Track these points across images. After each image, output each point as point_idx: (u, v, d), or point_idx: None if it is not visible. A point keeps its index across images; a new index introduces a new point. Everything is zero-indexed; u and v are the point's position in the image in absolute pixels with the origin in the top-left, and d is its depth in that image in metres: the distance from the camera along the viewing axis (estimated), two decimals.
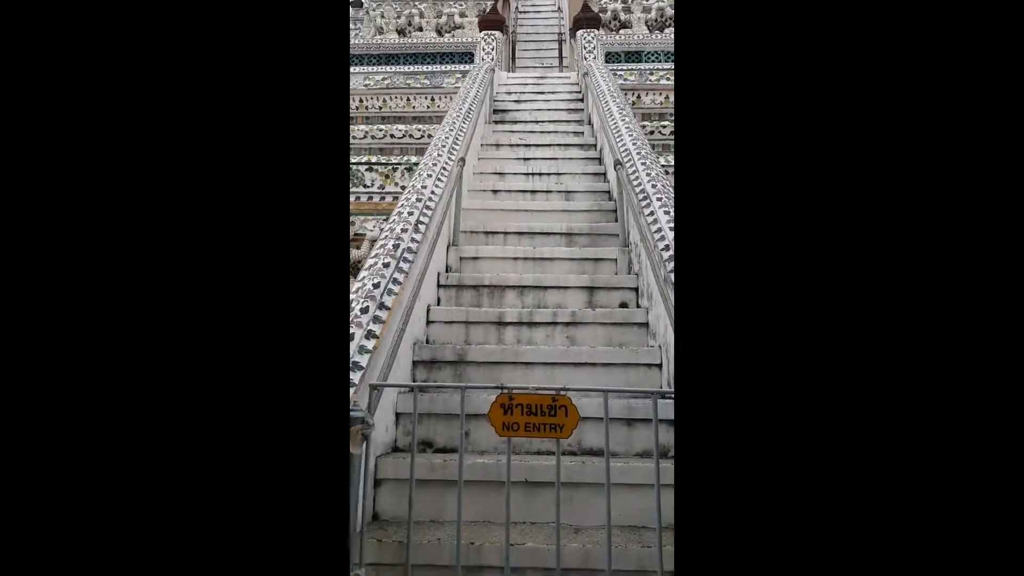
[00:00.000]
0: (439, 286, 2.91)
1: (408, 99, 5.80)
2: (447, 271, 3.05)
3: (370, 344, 1.97)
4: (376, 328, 2.05)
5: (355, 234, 4.70)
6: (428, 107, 5.78)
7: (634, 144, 3.31)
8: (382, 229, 4.50)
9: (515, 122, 4.97)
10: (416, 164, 5.05)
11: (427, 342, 2.60)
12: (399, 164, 5.27)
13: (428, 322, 2.68)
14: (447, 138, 3.74)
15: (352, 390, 1.77)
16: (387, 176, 5.22)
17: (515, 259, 3.09)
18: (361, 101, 5.81)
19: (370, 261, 2.45)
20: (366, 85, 5.82)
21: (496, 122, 4.99)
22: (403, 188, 5.15)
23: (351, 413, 1.56)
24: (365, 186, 5.20)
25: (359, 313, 2.08)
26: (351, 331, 1.98)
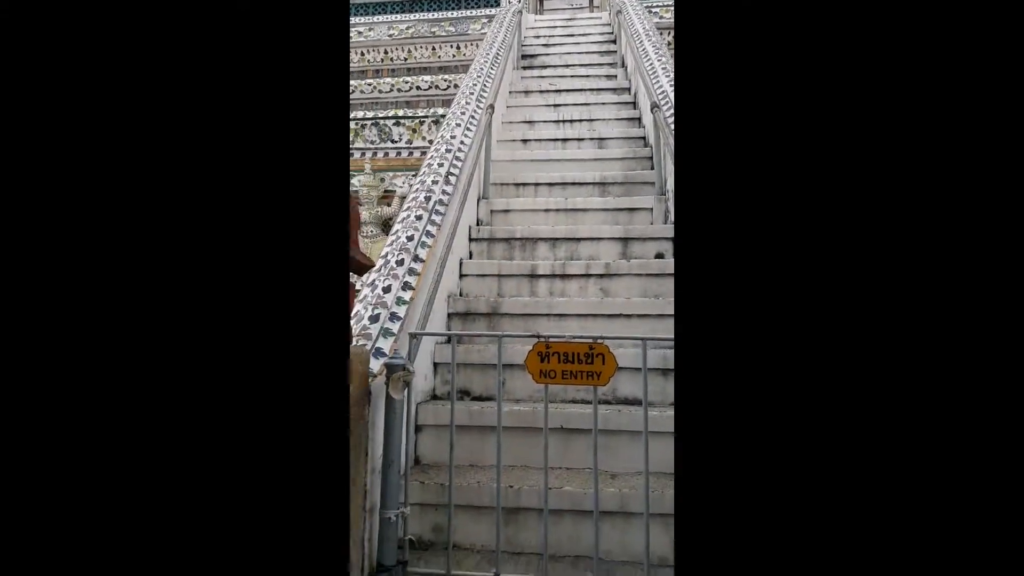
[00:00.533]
0: (471, 240, 2.89)
1: (433, 48, 5.60)
2: (478, 224, 3.02)
3: (407, 295, 1.99)
4: (412, 280, 2.07)
5: (385, 191, 4.70)
6: (454, 55, 5.57)
7: (672, 86, 3.12)
8: (411, 185, 4.48)
9: (544, 67, 4.74)
10: (443, 116, 4.94)
11: (460, 295, 2.62)
12: (426, 117, 5.16)
13: (461, 275, 2.68)
14: (475, 86, 3.61)
15: (392, 339, 1.81)
16: (414, 130, 5.13)
17: (547, 211, 3.02)
18: (386, 52, 5.65)
19: (402, 214, 2.44)
20: (390, 35, 5.64)
21: (524, 68, 4.78)
22: (430, 142, 5.07)
23: (392, 360, 1.60)
24: (393, 141, 5.14)
25: (395, 265, 2.10)
26: (388, 283, 2.00)
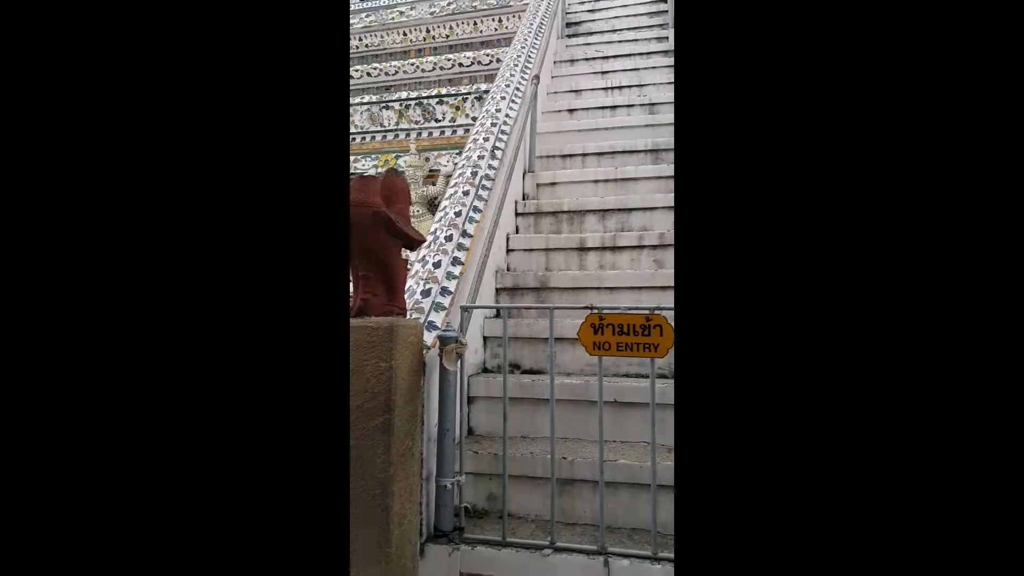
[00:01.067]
0: (517, 214, 2.86)
1: (475, 23, 5.51)
2: (523, 199, 2.97)
3: (456, 270, 2.00)
4: (461, 255, 2.07)
5: (430, 170, 4.73)
6: (496, 29, 5.47)
7: None
8: (455, 163, 4.48)
9: (590, 33, 4.56)
10: (486, 92, 4.88)
11: (508, 270, 2.60)
12: (469, 94, 5.12)
13: (508, 251, 2.67)
14: (519, 56, 3.52)
15: (443, 313, 1.82)
16: (457, 108, 5.10)
17: (595, 182, 2.93)
18: (428, 31, 5.62)
19: (449, 191, 2.44)
20: (432, 13, 5.59)
21: (569, 36, 4.62)
22: (473, 119, 5.03)
23: (445, 333, 1.61)
24: (436, 120, 5.14)
25: (444, 241, 2.10)
26: (438, 259, 2.02)
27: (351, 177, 3.73)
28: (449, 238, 2.12)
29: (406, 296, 1.85)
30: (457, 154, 4.48)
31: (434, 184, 4.76)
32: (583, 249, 2.57)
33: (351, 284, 1.57)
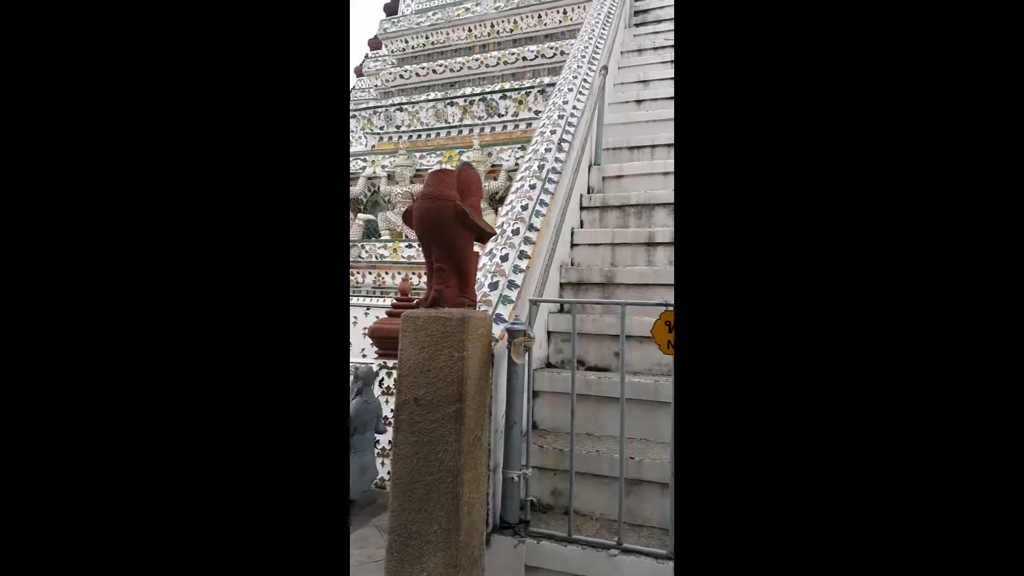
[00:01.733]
0: (581, 208, 2.81)
1: (539, 16, 5.47)
2: (589, 192, 2.92)
3: (523, 263, 2.00)
4: (527, 248, 2.07)
5: (492, 165, 4.76)
6: (560, 21, 5.40)
7: None
8: (518, 159, 4.48)
9: (659, 21, 4.40)
10: (549, 85, 4.84)
11: (572, 264, 2.57)
12: (532, 87, 5.10)
13: (572, 245, 2.63)
14: (585, 47, 3.46)
15: (510, 306, 1.83)
16: (520, 102, 5.10)
17: (665, 174, 2.83)
18: (492, 26, 5.65)
19: (516, 184, 2.44)
20: (497, 8, 5.62)
21: (637, 24, 4.48)
22: (536, 113, 5.00)
23: (513, 326, 1.62)
24: (499, 115, 5.16)
25: (511, 235, 2.11)
26: (505, 252, 2.03)
27: (428, 171, 3.78)
28: (516, 232, 2.12)
29: (476, 288, 1.88)
30: (520, 149, 4.48)
31: (495, 179, 4.79)
32: (652, 244, 2.49)
33: (425, 276, 1.61)
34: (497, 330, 1.67)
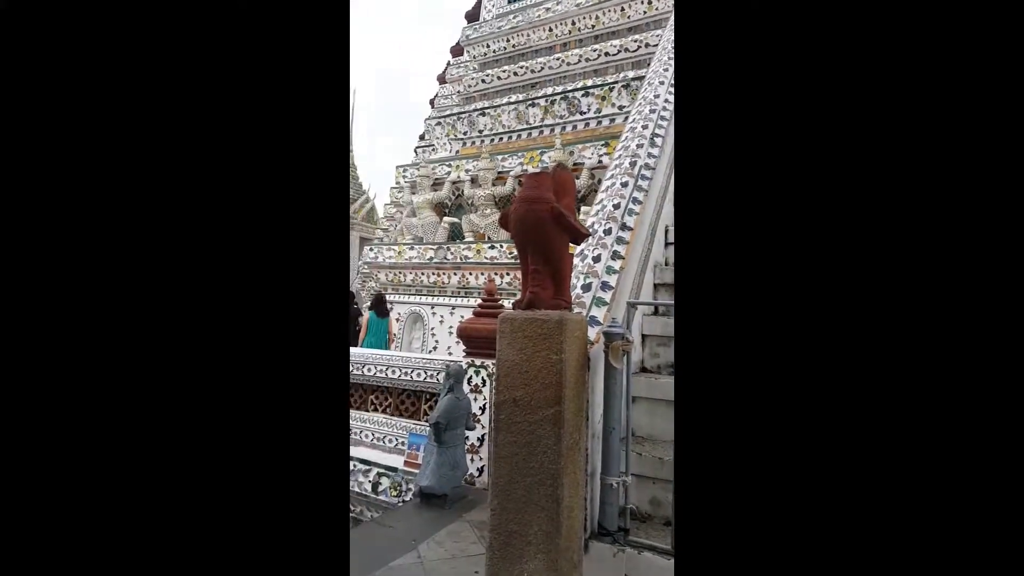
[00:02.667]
0: None
1: (623, 9, 5.33)
2: None
3: (616, 264, 1.95)
4: (620, 248, 2.01)
5: (574, 164, 4.71)
6: (645, 12, 5.22)
7: None
8: (601, 156, 4.39)
9: None
10: (633, 80, 4.69)
11: (667, 264, 2.47)
12: (615, 83, 4.98)
13: (667, 244, 2.53)
14: None
15: (604, 308, 1.79)
16: (603, 98, 5.00)
17: None
18: (573, 23, 5.60)
19: (606, 183, 2.39)
20: (577, 5, 5.56)
21: None
22: (620, 108, 4.88)
23: (611, 329, 1.58)
24: (581, 113, 5.10)
25: (603, 235, 2.07)
26: (598, 253, 1.99)
27: (510, 173, 3.83)
28: (608, 231, 2.08)
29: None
30: (603, 145, 4.39)
31: (578, 178, 4.74)
32: None
33: (521, 277, 1.62)
34: (592, 333, 1.64)
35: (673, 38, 3.34)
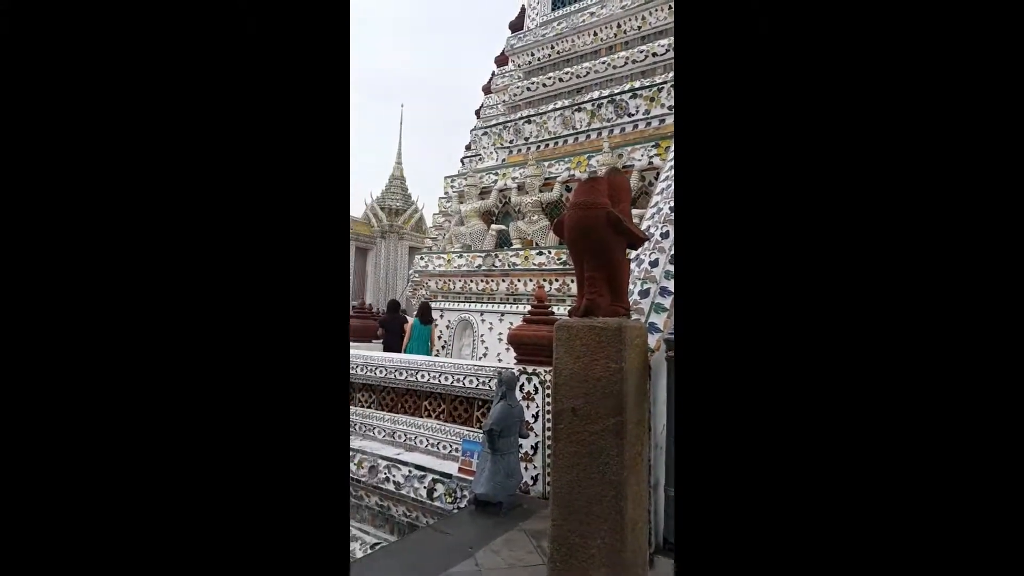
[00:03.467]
0: None
1: (670, 7, 5.22)
2: None
3: (666, 302, 1.89)
4: (668, 284, 1.95)
5: (624, 166, 4.63)
6: None
7: None
8: (651, 158, 4.29)
9: None
10: None
11: None
12: (664, 83, 4.87)
13: None
14: None
15: (664, 314, 1.74)
16: (652, 99, 4.90)
17: None
18: (619, 26, 5.53)
19: (660, 184, 2.32)
20: (623, 7, 5.49)
21: None
22: (670, 108, 4.76)
23: (672, 336, 1.53)
24: (629, 115, 5.02)
25: (659, 238, 2.01)
26: (655, 257, 1.93)
27: (557, 179, 3.82)
28: (665, 235, 2.02)
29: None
30: (653, 147, 4.29)
31: (629, 179, 4.65)
32: None
33: (576, 284, 1.60)
34: (652, 340, 1.59)
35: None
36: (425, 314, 5.06)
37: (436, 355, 5.11)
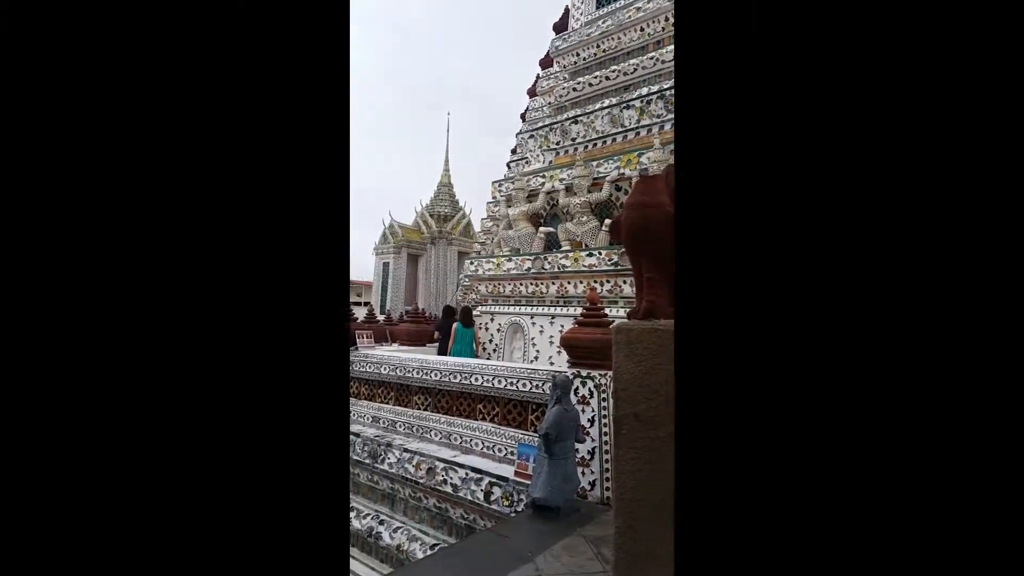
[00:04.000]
0: None
1: None
2: None
3: None
4: None
5: (668, 164, 4.50)
6: None
7: None
8: None
9: None
10: None
11: None
12: None
13: None
14: None
15: None
16: None
17: None
18: (667, 19, 5.39)
19: None
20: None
21: None
22: None
23: None
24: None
25: None
26: None
27: (606, 178, 3.75)
28: None
29: None
30: None
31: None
32: None
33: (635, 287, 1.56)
34: None
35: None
36: (466, 317, 5.24)
37: (488, 356, 5.16)
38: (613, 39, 5.77)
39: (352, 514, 3.68)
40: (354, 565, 3.53)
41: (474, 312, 5.50)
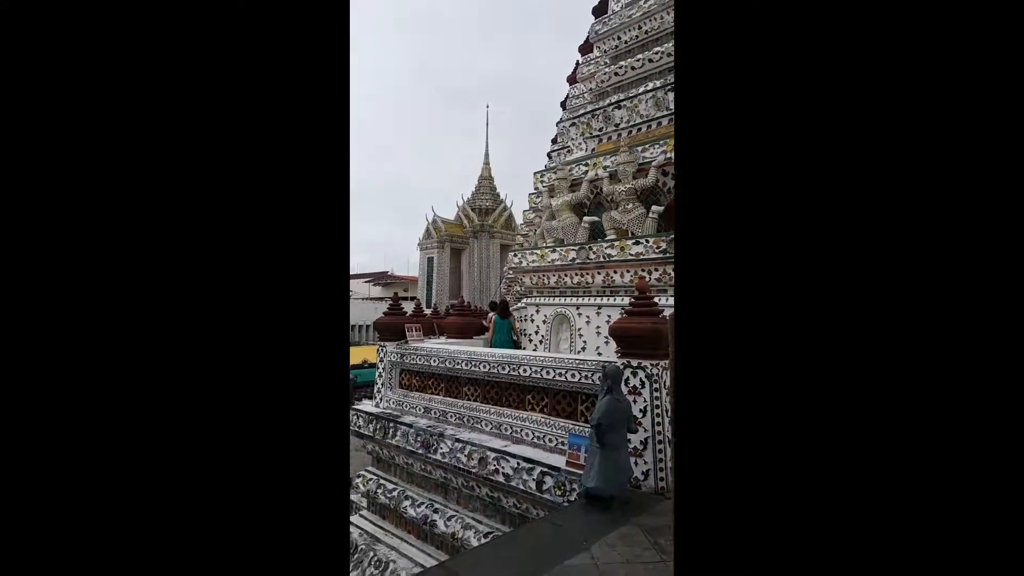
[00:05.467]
0: None
1: None
2: None
3: None
4: None
5: None
6: None
7: None
8: None
9: None
10: None
11: None
12: None
13: None
14: None
15: None
16: None
17: None
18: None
19: None
20: None
21: None
22: None
23: None
24: None
25: None
26: None
27: (652, 164, 3.61)
28: None
29: None
30: None
31: None
32: None
33: None
34: None
35: None
36: (504, 309, 5.45)
37: (533, 347, 5.17)
38: (655, 19, 5.58)
39: (407, 503, 3.80)
40: (412, 552, 3.65)
41: (519, 304, 5.56)
